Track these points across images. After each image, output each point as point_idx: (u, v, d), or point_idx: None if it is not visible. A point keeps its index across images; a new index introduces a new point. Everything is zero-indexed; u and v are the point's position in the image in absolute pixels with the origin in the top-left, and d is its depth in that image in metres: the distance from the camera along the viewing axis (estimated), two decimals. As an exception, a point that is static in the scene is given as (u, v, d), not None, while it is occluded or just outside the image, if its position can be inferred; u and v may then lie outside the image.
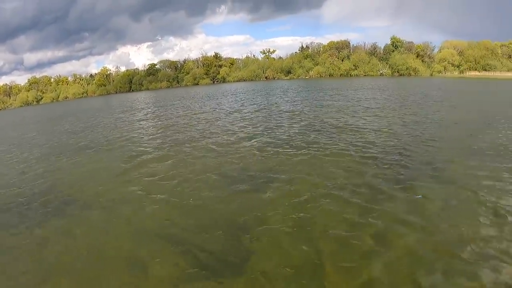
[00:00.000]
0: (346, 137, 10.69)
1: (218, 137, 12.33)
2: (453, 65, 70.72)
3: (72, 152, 12.48)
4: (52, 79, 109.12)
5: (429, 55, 72.16)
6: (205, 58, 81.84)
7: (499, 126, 11.43)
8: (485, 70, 70.79)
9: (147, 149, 11.48)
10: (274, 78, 74.51)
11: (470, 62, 71.26)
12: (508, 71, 70.25)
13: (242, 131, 13.17)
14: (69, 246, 5.43)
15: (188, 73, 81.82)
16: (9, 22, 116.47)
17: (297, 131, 12.30)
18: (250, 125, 14.42)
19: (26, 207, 7.27)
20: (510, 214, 5.16)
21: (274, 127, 13.46)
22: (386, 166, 7.60)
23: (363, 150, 9.06)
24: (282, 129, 12.95)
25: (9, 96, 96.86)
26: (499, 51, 73.20)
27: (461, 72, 70.26)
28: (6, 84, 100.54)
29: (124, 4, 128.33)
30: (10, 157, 13.24)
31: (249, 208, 6.01)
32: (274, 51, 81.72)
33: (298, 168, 7.93)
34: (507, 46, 74.55)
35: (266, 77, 75.14)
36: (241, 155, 9.52)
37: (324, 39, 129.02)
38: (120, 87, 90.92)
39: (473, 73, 69.93)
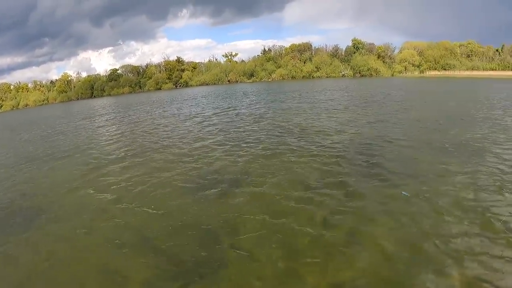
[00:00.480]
0: (308, 139, 10.43)
1: (177, 142, 11.97)
2: (413, 65, 71.71)
3: (29, 162, 11.94)
4: (12, 86, 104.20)
5: (389, 56, 72.91)
6: (167, 62, 79.73)
7: (457, 123, 11.70)
8: (445, 69, 72.19)
9: (106, 156, 11.01)
10: (237, 81, 73.33)
11: (430, 62, 72.48)
12: (466, 69, 72.01)
13: (201, 136, 12.86)
14: (26, 262, 5.11)
15: (151, 78, 79.48)
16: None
17: (258, 134, 11.95)
18: (210, 129, 14.10)
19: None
20: (471, 209, 5.18)
21: (235, 131, 13.06)
22: (349, 166, 7.58)
23: (326, 151, 8.97)
24: (243, 133, 12.56)
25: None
26: (458, 51, 74.90)
27: (421, 72, 71.32)
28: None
29: (85, 9, 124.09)
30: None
31: (215, 213, 5.82)
32: (236, 54, 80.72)
33: (261, 171, 7.77)
34: (466, 46, 76.35)
35: (228, 81, 73.85)
36: (201, 160, 9.30)
37: (286, 42, 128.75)
38: (82, 93, 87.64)
39: (433, 73, 71.12)
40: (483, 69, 72.21)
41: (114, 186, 7.77)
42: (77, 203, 7.06)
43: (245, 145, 10.41)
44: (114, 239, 5.37)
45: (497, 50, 76.87)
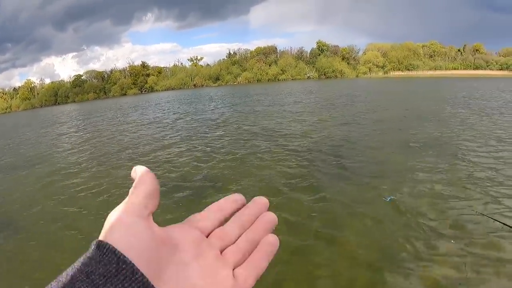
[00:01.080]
0: (274, 143, 10.05)
1: (140, 148, 11.50)
2: (377, 66, 72.81)
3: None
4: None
5: (354, 57, 73.79)
6: (132, 67, 78.11)
7: (422, 123, 11.67)
8: (408, 69, 73.60)
9: (70, 165, 10.49)
10: (202, 85, 72.58)
11: (394, 62, 73.76)
12: (430, 69, 73.69)
13: (164, 141, 12.33)
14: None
15: (115, 84, 77.70)
16: None
17: (223, 139, 11.49)
18: (174, 135, 13.52)
19: None
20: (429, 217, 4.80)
21: (199, 136, 12.58)
22: (316, 170, 7.32)
23: (292, 155, 8.62)
24: (207, 138, 12.09)
25: None
26: (421, 51, 76.50)
27: (386, 72, 72.50)
28: None
29: (47, 14, 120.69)
30: None
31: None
32: (201, 58, 79.91)
33: (227, 176, 7.45)
34: (428, 47, 78.16)
35: (194, 85, 73.02)
36: (165, 166, 8.88)
37: (252, 45, 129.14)
38: (46, 100, 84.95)
39: (397, 73, 72.40)
40: (446, 69, 74.06)
41: (78, 195, 7.50)
42: (41, 214, 6.70)
43: (210, 150, 10.17)
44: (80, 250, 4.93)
45: (459, 50, 79.09)
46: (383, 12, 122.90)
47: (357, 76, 69.80)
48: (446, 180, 6.13)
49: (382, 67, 73.45)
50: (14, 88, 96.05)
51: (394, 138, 9.75)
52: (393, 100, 20.55)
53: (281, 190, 6.37)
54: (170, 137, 13.28)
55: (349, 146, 9.17)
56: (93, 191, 7.58)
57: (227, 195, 0.38)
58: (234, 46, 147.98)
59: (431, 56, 78.36)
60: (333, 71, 69.21)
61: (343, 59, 72.18)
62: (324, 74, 69.21)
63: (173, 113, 22.32)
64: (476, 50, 77.90)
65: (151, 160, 9.79)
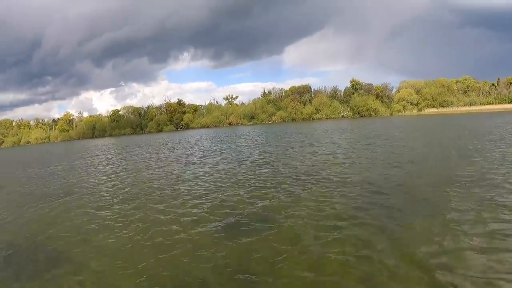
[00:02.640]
0: (312, 187, 9.80)
1: (173, 185, 11.33)
2: (411, 103, 72.53)
3: (7, 206, 11.02)
4: (14, 123, 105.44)
5: (388, 95, 73.86)
6: (169, 104, 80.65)
7: (465, 160, 11.37)
8: (442, 106, 72.95)
9: (101, 200, 10.40)
10: (237, 124, 74.03)
11: (428, 100, 73.33)
12: (464, 105, 72.72)
13: (202, 179, 12.25)
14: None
15: (152, 120, 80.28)
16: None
17: (262, 180, 11.44)
18: (215, 175, 13.36)
19: None
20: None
21: (238, 177, 12.40)
22: (360, 217, 7.15)
23: (334, 198, 8.52)
24: (246, 179, 12.00)
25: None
26: (455, 88, 75.81)
27: (420, 110, 72.09)
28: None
29: (87, 50, 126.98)
30: None
31: (242, 262, 5.29)
32: (236, 97, 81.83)
33: (265, 218, 7.33)
34: (462, 82, 77.50)
35: (229, 123, 74.58)
36: (205, 203, 8.72)
37: (286, 85, 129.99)
38: (84, 133, 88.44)
39: (431, 110, 71.85)
40: (481, 104, 72.96)
41: (123, 236, 7.27)
42: (89, 248, 6.57)
43: (249, 191, 10.02)
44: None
45: (493, 84, 78.09)
46: (414, 49, 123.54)
47: (391, 114, 69.73)
48: (492, 220, 5.88)
49: (416, 105, 73.03)
50: (53, 119, 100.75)
51: (436, 177, 9.46)
52: (430, 138, 20.13)
53: (326, 233, 6.22)
54: (212, 176, 12.89)
55: (390, 186, 9.03)
56: (133, 226, 7.43)
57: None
58: (268, 85, 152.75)
59: (465, 92, 77.37)
60: (367, 110, 69.44)
61: (377, 97, 72.33)
62: (359, 113, 69.49)
63: (213, 152, 21.97)
64: (510, 83, 76.65)
65: (192, 199, 9.40)
